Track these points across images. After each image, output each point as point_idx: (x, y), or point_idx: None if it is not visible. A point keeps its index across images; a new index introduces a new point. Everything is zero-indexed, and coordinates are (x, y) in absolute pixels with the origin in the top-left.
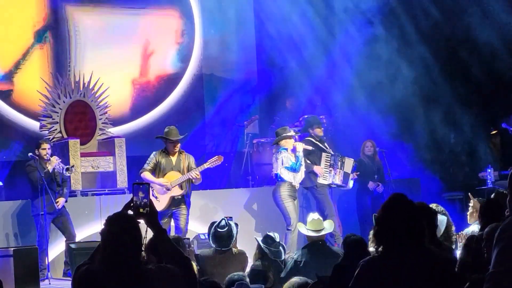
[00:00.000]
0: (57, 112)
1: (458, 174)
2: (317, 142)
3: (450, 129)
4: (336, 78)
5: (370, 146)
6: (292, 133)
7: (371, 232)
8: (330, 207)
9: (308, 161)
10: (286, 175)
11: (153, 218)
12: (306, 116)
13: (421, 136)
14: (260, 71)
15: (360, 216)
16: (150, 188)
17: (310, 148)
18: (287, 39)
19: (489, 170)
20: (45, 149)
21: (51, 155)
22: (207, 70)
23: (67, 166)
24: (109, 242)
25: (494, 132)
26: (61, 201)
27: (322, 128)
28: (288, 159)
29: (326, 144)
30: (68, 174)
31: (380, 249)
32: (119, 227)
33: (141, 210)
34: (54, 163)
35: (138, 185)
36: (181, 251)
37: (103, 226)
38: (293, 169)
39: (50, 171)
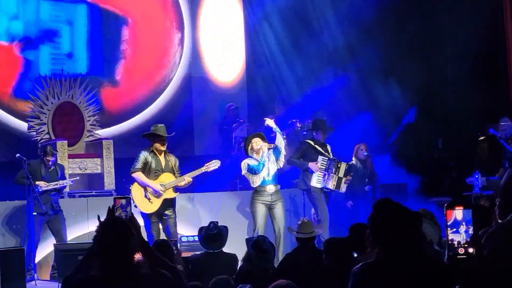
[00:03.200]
0: (45, 114)
1: (445, 180)
2: (316, 146)
3: (438, 134)
4: (326, 83)
5: (364, 150)
6: (252, 134)
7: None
8: (323, 212)
9: (303, 160)
10: (250, 179)
11: (136, 230)
12: (314, 119)
13: (408, 141)
14: (249, 74)
15: (352, 221)
16: (144, 192)
17: (272, 145)
18: (277, 43)
19: (477, 176)
20: (49, 160)
21: (55, 162)
22: (196, 73)
23: (58, 188)
24: (108, 247)
25: (482, 138)
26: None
27: (326, 135)
28: (245, 164)
29: (329, 149)
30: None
31: (374, 254)
32: (117, 232)
33: None
34: (46, 188)
35: (119, 199)
36: (166, 260)
37: (96, 231)
38: (253, 170)
39: (41, 189)
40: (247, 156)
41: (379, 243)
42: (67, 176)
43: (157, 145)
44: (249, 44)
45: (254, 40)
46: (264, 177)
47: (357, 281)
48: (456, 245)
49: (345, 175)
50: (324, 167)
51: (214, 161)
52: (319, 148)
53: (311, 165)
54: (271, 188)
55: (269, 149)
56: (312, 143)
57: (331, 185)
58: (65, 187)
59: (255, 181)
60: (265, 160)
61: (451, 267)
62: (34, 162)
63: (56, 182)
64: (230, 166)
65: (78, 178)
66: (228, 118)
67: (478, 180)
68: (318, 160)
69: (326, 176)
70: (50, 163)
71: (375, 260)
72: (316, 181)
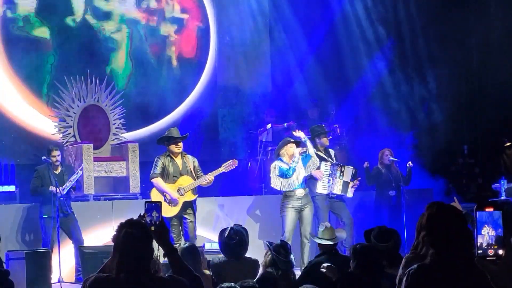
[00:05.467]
0: (71, 116)
1: (471, 186)
2: (319, 152)
3: (463, 140)
4: (350, 87)
5: (388, 155)
6: (291, 139)
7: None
8: (324, 219)
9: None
10: (278, 184)
11: (164, 236)
12: (312, 126)
13: (434, 147)
14: (275, 78)
15: (376, 224)
16: (164, 197)
17: (304, 149)
18: (302, 47)
19: (503, 182)
20: (54, 156)
21: (61, 162)
22: (221, 77)
23: (74, 186)
24: (123, 247)
25: (508, 144)
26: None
27: (328, 138)
28: (276, 167)
29: (332, 154)
30: (73, 193)
31: (429, 256)
32: (134, 234)
33: (152, 228)
34: (53, 190)
35: (150, 204)
36: (191, 269)
37: (115, 232)
38: (284, 174)
39: (50, 191)
40: (277, 158)
41: (435, 245)
42: (90, 179)
43: (172, 147)
44: (275, 47)
45: (280, 43)
46: (294, 181)
47: (413, 282)
48: (479, 247)
49: (352, 180)
50: (328, 173)
51: (231, 161)
52: (322, 155)
53: (314, 173)
54: (300, 192)
55: (300, 153)
56: (314, 150)
57: (336, 189)
58: (77, 183)
59: (284, 185)
60: (296, 165)
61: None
62: (42, 167)
63: (66, 183)
64: (256, 170)
65: (83, 165)
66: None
67: (504, 186)
68: (321, 166)
69: (331, 182)
70: (58, 160)
71: (431, 262)
72: (321, 188)
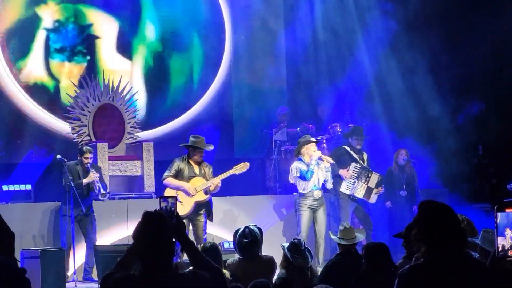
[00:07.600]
0: (86, 115)
1: (485, 186)
2: (352, 152)
3: (478, 140)
4: (364, 88)
5: (404, 155)
6: (311, 139)
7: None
8: (344, 219)
9: (337, 164)
10: (297, 184)
11: (180, 229)
12: (351, 125)
13: (448, 147)
14: (290, 78)
15: (390, 226)
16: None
17: (331, 161)
18: (316, 47)
19: None
20: (87, 158)
21: (92, 165)
22: (236, 77)
23: (103, 192)
24: (143, 241)
25: None
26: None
27: (362, 142)
28: (297, 168)
29: (365, 157)
30: (101, 199)
31: (421, 256)
32: (152, 226)
33: None
34: (90, 180)
35: (165, 198)
36: (210, 261)
37: (138, 225)
38: (303, 177)
39: (83, 184)
40: (297, 156)
41: (426, 243)
42: (105, 178)
43: (196, 157)
44: (290, 48)
45: (295, 44)
46: (311, 184)
47: (404, 282)
48: (500, 248)
49: (376, 187)
50: (355, 174)
51: (243, 164)
52: (355, 155)
53: (341, 172)
54: (318, 193)
55: (319, 158)
56: (348, 149)
57: (359, 193)
58: (103, 188)
59: (305, 187)
60: (314, 167)
61: (495, 270)
62: (71, 164)
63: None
64: (271, 170)
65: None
66: (282, 122)
67: None
68: (351, 166)
69: (356, 184)
70: (89, 162)
71: (424, 261)
72: (345, 187)
